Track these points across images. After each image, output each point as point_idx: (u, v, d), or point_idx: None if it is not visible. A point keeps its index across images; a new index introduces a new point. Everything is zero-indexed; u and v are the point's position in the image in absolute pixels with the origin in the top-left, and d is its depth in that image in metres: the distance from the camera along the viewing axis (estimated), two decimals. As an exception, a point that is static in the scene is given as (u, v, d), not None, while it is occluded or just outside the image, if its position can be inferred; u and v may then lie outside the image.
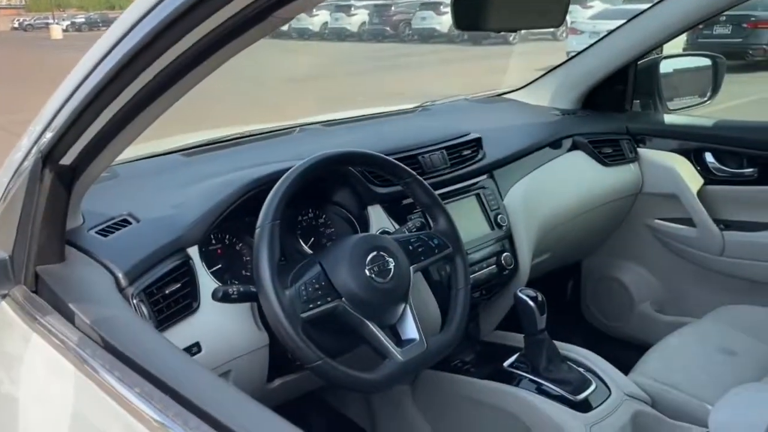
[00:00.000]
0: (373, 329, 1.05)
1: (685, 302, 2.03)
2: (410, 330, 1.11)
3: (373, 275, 1.07)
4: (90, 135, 0.83)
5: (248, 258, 1.25)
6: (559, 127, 1.92)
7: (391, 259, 1.10)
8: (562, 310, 2.18)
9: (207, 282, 1.11)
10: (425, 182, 1.24)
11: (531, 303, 1.34)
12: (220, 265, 1.20)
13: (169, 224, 1.11)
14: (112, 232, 1.07)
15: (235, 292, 1.06)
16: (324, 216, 1.37)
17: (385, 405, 1.60)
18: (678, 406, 1.36)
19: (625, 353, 1.60)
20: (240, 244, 1.25)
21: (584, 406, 1.30)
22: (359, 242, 1.10)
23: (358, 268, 1.06)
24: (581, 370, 1.38)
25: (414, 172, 1.23)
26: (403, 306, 1.12)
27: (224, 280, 1.17)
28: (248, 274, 1.24)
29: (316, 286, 1.04)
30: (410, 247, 1.17)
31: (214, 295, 1.06)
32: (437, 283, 1.36)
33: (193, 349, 1.04)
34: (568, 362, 1.39)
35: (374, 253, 1.09)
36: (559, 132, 1.89)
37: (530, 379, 1.37)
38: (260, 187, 1.16)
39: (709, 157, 1.89)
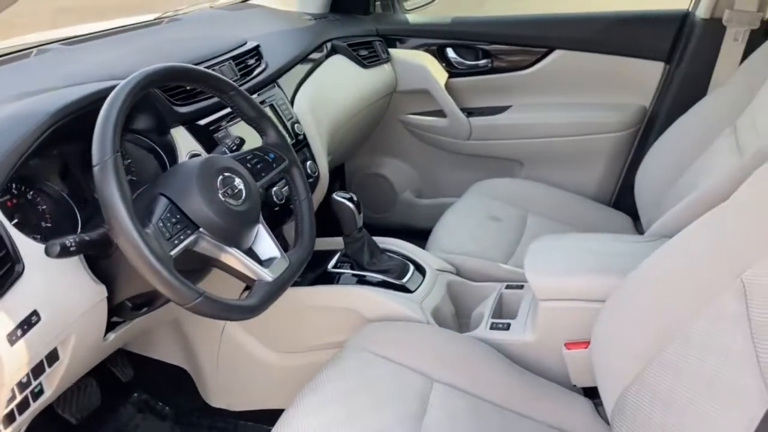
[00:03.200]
0: (237, 255, 1.00)
1: (441, 185, 2.30)
2: (269, 249, 1.08)
3: (228, 199, 1.00)
4: None
5: (44, 207, 1.07)
6: (317, 31, 1.94)
7: (239, 180, 1.04)
8: None
9: (22, 239, 0.92)
10: (248, 94, 1.17)
11: (349, 204, 1.40)
12: (16, 220, 1.01)
13: None
14: None
15: (73, 244, 0.91)
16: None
17: (204, 338, 1.55)
18: (477, 269, 1.58)
19: (402, 238, 1.76)
20: (30, 192, 1.06)
21: (410, 287, 1.43)
22: (204, 165, 1.01)
23: (211, 194, 0.98)
24: (398, 257, 1.51)
25: (237, 85, 1.15)
26: (257, 227, 1.08)
27: (29, 236, 0.98)
28: (48, 225, 1.06)
29: (173, 220, 0.95)
30: (248, 165, 1.11)
31: (50, 252, 0.89)
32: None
33: (33, 318, 0.88)
34: (387, 253, 1.50)
35: (222, 175, 1.02)
36: (320, 36, 1.91)
37: (357, 275, 1.45)
38: (65, 118, 0.98)
39: (450, 53, 2.11)
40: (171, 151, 1.24)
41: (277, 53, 1.65)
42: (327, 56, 1.92)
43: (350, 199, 1.41)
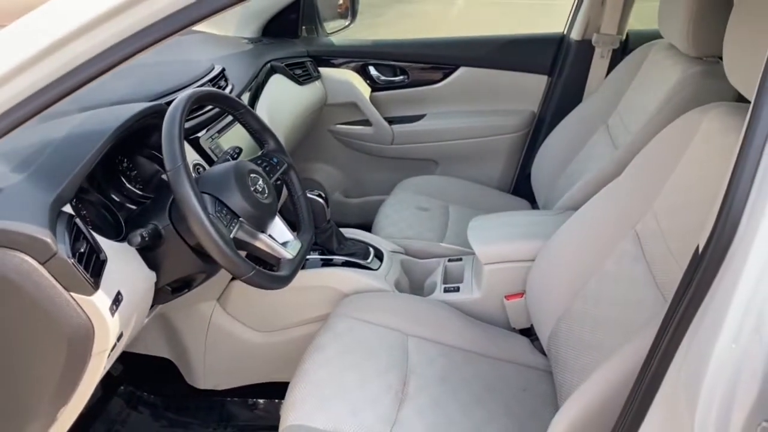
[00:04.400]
0: (266, 239, 1.25)
1: (366, 186, 2.61)
2: (283, 234, 1.33)
3: (257, 194, 1.25)
4: None
5: (93, 210, 1.25)
6: (257, 54, 2.19)
7: (262, 179, 1.29)
8: None
9: (94, 235, 1.12)
10: (254, 112, 1.42)
11: (320, 200, 1.67)
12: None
13: (38, 187, 1.06)
14: None
15: (146, 235, 1.12)
16: (131, 161, 1.41)
17: (191, 328, 1.75)
18: (421, 249, 1.90)
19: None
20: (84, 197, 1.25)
21: (373, 267, 1.73)
22: (237, 168, 1.25)
23: (246, 191, 1.23)
24: (360, 242, 1.80)
25: (245, 103, 1.40)
26: (276, 216, 1.33)
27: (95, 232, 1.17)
28: (98, 225, 1.25)
29: (223, 212, 1.18)
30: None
31: (132, 242, 1.10)
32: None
33: (119, 297, 1.08)
34: (351, 239, 1.79)
35: (250, 176, 1.26)
36: (261, 58, 2.16)
37: (323, 258, 1.72)
38: (126, 131, 1.19)
39: (372, 70, 2.43)
40: None
41: (233, 75, 1.89)
42: (267, 76, 2.16)
43: (320, 196, 1.68)
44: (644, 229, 1.27)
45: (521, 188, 2.44)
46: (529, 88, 2.40)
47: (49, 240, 0.95)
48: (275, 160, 1.42)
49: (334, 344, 1.45)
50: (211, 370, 1.78)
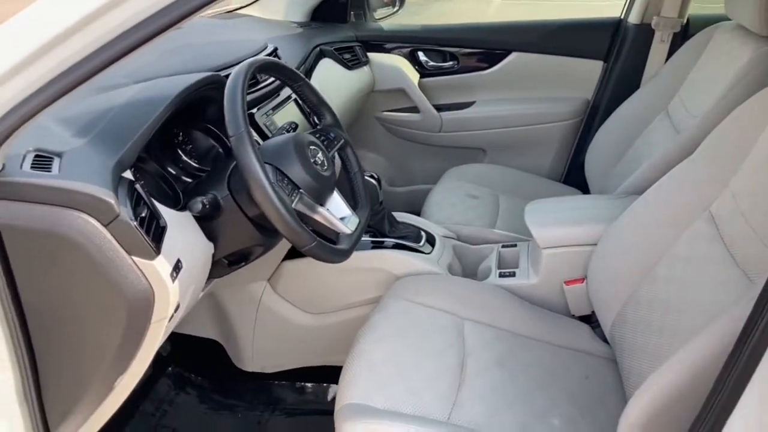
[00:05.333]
0: (326, 212, 1.22)
1: (412, 174, 2.57)
2: (341, 209, 1.30)
3: (317, 166, 1.22)
4: None
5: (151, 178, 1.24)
6: (307, 37, 2.16)
7: (320, 152, 1.26)
8: None
9: (154, 202, 1.10)
10: (312, 84, 1.39)
11: (373, 181, 1.64)
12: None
13: (99, 151, 1.05)
14: (48, 170, 0.98)
15: (206, 203, 1.10)
16: (186, 135, 1.39)
17: (241, 309, 1.73)
18: (473, 235, 1.86)
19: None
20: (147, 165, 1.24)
21: (425, 250, 1.69)
22: (297, 139, 1.22)
23: (307, 162, 1.20)
24: (412, 226, 1.76)
25: (304, 77, 1.37)
26: (335, 190, 1.30)
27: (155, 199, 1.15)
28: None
29: (284, 182, 1.15)
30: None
31: (193, 209, 1.08)
32: None
33: (179, 264, 1.06)
34: (402, 223, 1.75)
35: (311, 147, 1.24)
36: (310, 42, 2.13)
37: (374, 241, 1.69)
38: (184, 101, 1.17)
39: (421, 56, 2.39)
40: None
41: (284, 57, 1.87)
42: (317, 59, 2.14)
43: (372, 177, 1.65)
44: (720, 209, 1.21)
45: (573, 177, 2.38)
46: (583, 75, 2.33)
47: (112, 201, 0.94)
48: (332, 134, 1.39)
49: (387, 325, 1.41)
50: (259, 353, 1.76)
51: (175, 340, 1.82)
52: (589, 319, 1.55)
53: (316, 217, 1.22)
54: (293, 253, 1.70)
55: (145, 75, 1.32)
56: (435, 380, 1.26)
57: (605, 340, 1.45)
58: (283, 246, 1.66)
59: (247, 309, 1.72)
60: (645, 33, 2.18)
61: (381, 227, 1.70)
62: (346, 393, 1.23)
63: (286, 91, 1.70)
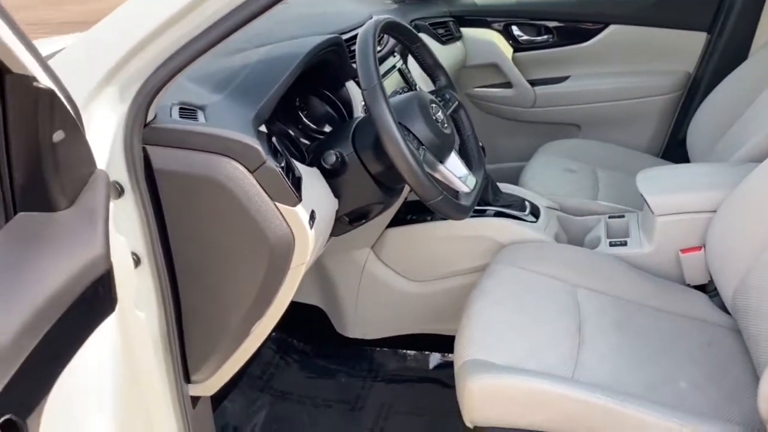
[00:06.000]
0: (446, 170, 1.23)
1: (502, 152, 2.55)
2: (459, 168, 1.31)
3: (439, 124, 1.23)
4: None
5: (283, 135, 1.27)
6: (403, 13, 2.18)
7: (440, 110, 1.27)
8: None
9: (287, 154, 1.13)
10: (429, 47, 1.40)
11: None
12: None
13: (237, 104, 1.08)
14: (194, 120, 1.02)
15: (339, 156, 1.13)
16: (303, 101, 1.42)
17: (345, 276, 1.76)
18: (577, 206, 1.83)
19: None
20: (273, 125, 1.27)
21: (530, 219, 1.67)
22: (420, 97, 1.24)
23: (430, 119, 1.21)
24: (513, 195, 1.75)
25: (421, 38, 1.38)
26: (453, 149, 1.31)
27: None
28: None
29: (409, 137, 1.17)
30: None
31: (327, 161, 1.11)
32: None
33: (314, 215, 1.09)
34: (505, 193, 1.74)
35: (432, 105, 1.25)
36: (406, 17, 2.14)
37: (483, 210, 1.68)
38: (307, 63, 1.20)
39: (515, 30, 2.37)
40: (346, 102, 1.45)
41: None
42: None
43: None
44: None
45: (672, 153, 2.30)
46: (684, 47, 2.25)
47: (259, 148, 0.97)
48: (447, 96, 1.40)
49: (499, 290, 1.40)
50: (361, 319, 1.79)
51: None
52: (704, 288, 1.51)
53: (437, 175, 1.23)
54: (397, 221, 1.72)
55: (266, 41, 1.36)
56: (554, 341, 1.25)
57: (723, 309, 1.40)
58: (387, 213, 1.68)
59: (351, 276, 1.75)
60: (754, 1, 2.09)
61: (485, 195, 1.69)
62: (466, 350, 1.23)
63: (390, 62, 1.72)
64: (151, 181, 0.97)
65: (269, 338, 1.88)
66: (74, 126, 0.67)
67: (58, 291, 0.57)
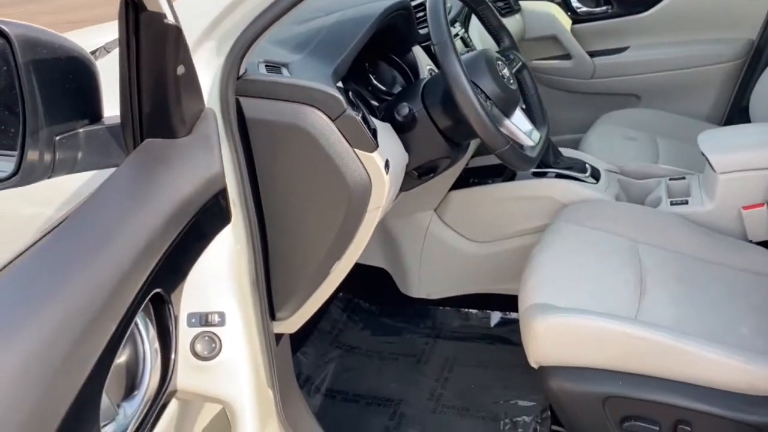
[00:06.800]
0: (512, 124, 1.30)
1: (559, 124, 2.57)
2: (524, 123, 1.37)
3: (505, 80, 1.30)
4: None
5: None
6: None
7: (506, 67, 1.33)
8: None
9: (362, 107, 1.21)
10: (494, 9, 1.47)
11: (541, 110, 1.68)
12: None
13: (317, 62, 1.17)
14: (280, 74, 1.11)
15: (411, 110, 1.21)
16: (374, 64, 1.50)
17: (409, 237, 1.84)
18: (636, 169, 1.85)
19: None
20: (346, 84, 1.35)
21: (592, 180, 1.71)
22: (486, 54, 1.30)
23: (496, 75, 1.28)
24: (574, 158, 1.79)
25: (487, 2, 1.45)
26: (518, 105, 1.37)
27: None
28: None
29: (477, 91, 1.24)
30: None
31: (400, 112, 1.19)
32: None
33: (388, 163, 1.17)
34: (566, 156, 1.79)
35: (498, 62, 1.31)
36: None
37: (544, 172, 1.73)
38: (377, 26, 1.27)
39: (574, 2, 2.39)
40: (412, 66, 1.53)
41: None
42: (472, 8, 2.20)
43: (538, 107, 1.69)
44: None
45: (734, 121, 2.29)
46: (747, 13, 2.23)
47: (341, 98, 1.05)
48: (511, 56, 1.45)
49: (561, 244, 1.45)
50: (425, 279, 1.86)
51: None
52: (766, 244, 1.52)
53: (503, 129, 1.29)
54: (459, 185, 1.79)
55: (336, 9, 1.44)
56: (616, 289, 1.29)
57: (787, 266, 1.42)
58: (450, 175, 1.75)
59: (415, 238, 1.83)
60: (822, -37, 2.07)
61: (546, 158, 1.74)
62: (530, 295, 1.29)
63: (452, 31, 1.77)
64: (242, 130, 1.06)
65: (336, 297, 1.98)
66: (191, 63, 0.77)
67: (188, 197, 0.67)
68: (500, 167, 1.83)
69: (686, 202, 1.61)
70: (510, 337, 1.78)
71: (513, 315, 1.84)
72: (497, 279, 1.80)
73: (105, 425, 0.60)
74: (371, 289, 1.97)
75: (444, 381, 1.67)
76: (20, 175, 0.73)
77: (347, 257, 1.18)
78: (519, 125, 1.35)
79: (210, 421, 0.88)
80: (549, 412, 1.46)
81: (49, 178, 0.75)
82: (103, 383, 0.55)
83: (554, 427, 1.39)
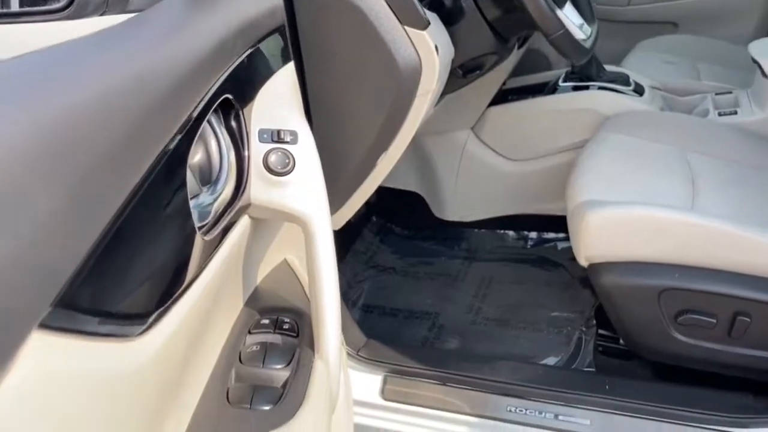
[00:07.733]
0: (563, 14, 1.24)
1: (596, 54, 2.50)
2: (575, 16, 1.32)
3: None
4: None
5: None
6: None
7: None
8: None
9: None
10: None
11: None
12: None
13: None
14: None
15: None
16: None
17: (444, 158, 1.80)
18: (680, 87, 1.80)
19: None
20: None
21: (636, 94, 1.66)
22: None
23: None
24: (618, 72, 1.73)
25: None
26: None
27: None
28: None
29: None
30: None
31: (446, 2, 1.15)
32: None
33: (437, 49, 1.12)
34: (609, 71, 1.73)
35: None
36: None
37: (586, 86, 1.68)
38: None
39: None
40: None
41: None
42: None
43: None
44: None
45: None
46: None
47: None
48: None
49: (607, 152, 1.41)
50: (460, 202, 1.83)
51: (377, 191, 1.93)
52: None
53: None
54: (497, 102, 1.74)
55: None
56: (667, 190, 1.25)
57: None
58: (488, 91, 1.70)
59: (451, 158, 1.79)
60: None
61: (588, 71, 1.69)
62: (580, 193, 1.25)
63: None
64: (289, 8, 1.02)
65: (369, 221, 1.95)
66: None
67: (254, 18, 0.63)
68: (539, 86, 1.78)
69: (735, 113, 1.56)
70: (548, 255, 1.75)
71: (550, 234, 1.81)
72: (536, 199, 1.76)
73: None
74: (404, 214, 1.94)
75: (482, 297, 1.64)
76: (74, 8, 0.70)
77: (395, 147, 1.14)
78: (570, 17, 1.30)
79: (272, 269, 0.86)
80: (594, 321, 1.43)
81: (101, 15, 0.72)
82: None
83: (601, 331, 1.37)
